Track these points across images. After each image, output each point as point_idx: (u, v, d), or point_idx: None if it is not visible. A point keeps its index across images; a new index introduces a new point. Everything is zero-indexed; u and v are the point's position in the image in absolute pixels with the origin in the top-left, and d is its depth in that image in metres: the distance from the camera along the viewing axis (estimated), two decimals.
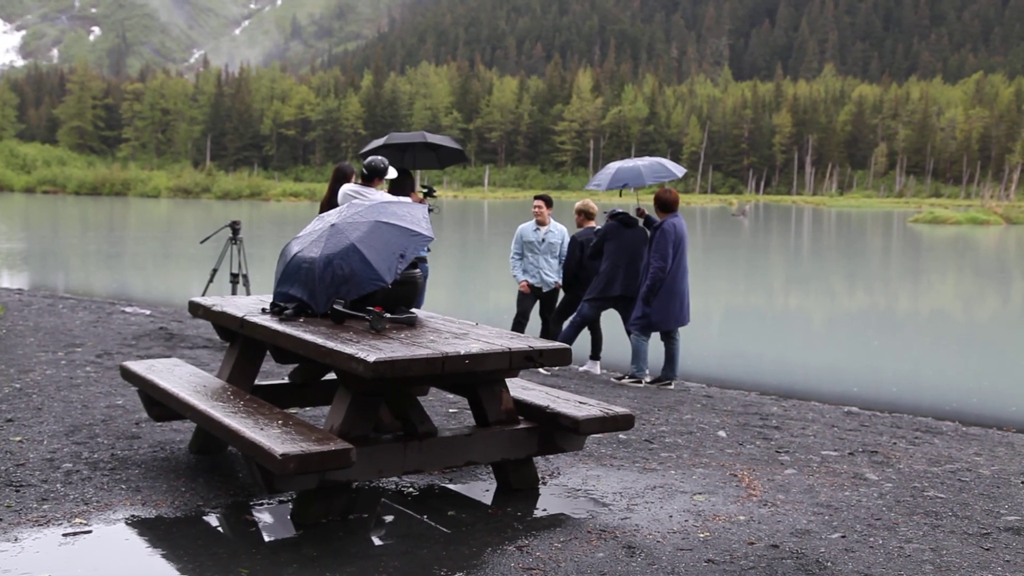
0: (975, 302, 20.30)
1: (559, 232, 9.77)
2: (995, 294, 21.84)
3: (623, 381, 8.84)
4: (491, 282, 21.29)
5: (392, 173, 7.80)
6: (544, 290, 9.74)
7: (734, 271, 25.81)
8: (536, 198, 9.82)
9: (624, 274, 8.92)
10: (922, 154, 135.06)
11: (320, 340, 4.36)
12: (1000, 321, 17.57)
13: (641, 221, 9.12)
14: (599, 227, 9.36)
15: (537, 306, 9.85)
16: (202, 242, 11.71)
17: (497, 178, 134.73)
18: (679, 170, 9.56)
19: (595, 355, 9.66)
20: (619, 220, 9.06)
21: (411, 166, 9.46)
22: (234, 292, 10.56)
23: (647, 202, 9.33)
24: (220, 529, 4.28)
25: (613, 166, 9.61)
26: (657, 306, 8.58)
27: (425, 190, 8.94)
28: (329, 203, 7.98)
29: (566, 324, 9.36)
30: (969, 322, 17.24)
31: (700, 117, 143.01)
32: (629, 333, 8.94)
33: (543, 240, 9.66)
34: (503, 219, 55.16)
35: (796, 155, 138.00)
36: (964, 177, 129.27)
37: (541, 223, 9.70)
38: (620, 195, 9.93)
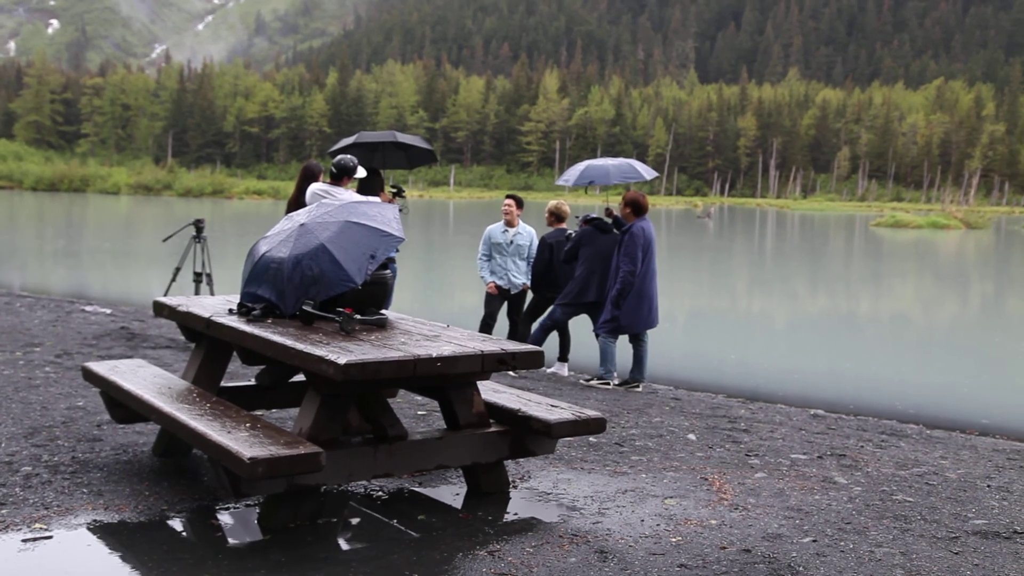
0: (935, 305, 20.57)
1: (528, 234, 9.74)
2: (955, 297, 22.13)
3: (591, 383, 8.83)
4: (457, 283, 21.23)
5: (361, 172, 7.73)
6: (512, 292, 9.70)
7: (699, 273, 25.95)
8: (507, 197, 9.79)
9: (599, 280, 8.91)
10: (884, 158, 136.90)
11: (289, 342, 4.31)
12: (960, 324, 17.80)
13: (610, 221, 9.10)
14: (571, 231, 9.34)
15: (505, 308, 9.82)
16: (165, 240, 11.56)
17: (463, 178, 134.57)
18: (649, 173, 9.59)
19: (563, 357, 9.64)
20: (595, 225, 9.04)
21: (380, 166, 9.39)
22: (197, 292, 10.44)
23: (616, 203, 9.33)
24: (185, 534, 4.21)
25: (584, 163, 9.65)
26: (626, 309, 8.58)
27: (394, 190, 8.88)
28: (296, 202, 7.89)
29: (535, 326, 9.33)
30: (929, 325, 17.45)
31: (666, 119, 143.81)
32: (597, 336, 8.93)
33: (511, 242, 9.62)
34: (469, 219, 55.06)
35: (761, 158, 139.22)
36: (925, 182, 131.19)
37: (510, 224, 9.66)
38: (586, 192, 9.98)
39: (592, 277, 8.92)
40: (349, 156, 7.61)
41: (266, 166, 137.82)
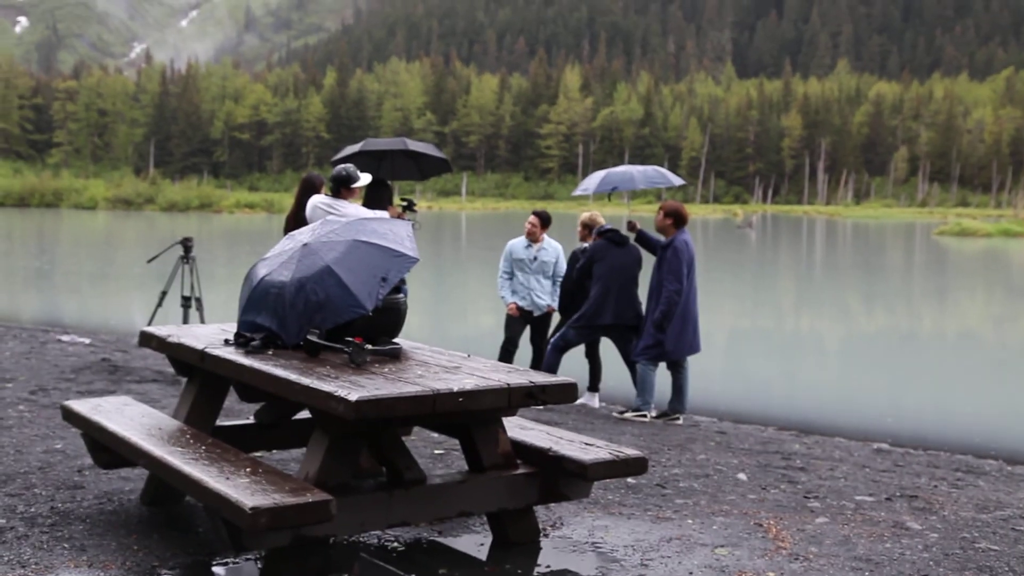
0: (1009, 324, 20.41)
1: (553, 250, 9.73)
2: None
3: (626, 416, 8.80)
4: (472, 305, 21.24)
5: (365, 179, 7.68)
6: (535, 314, 9.68)
7: (741, 290, 25.87)
8: (533, 214, 9.82)
9: (616, 300, 8.87)
10: (947, 159, 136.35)
11: (293, 376, 4.29)
12: None
13: (633, 237, 9.11)
14: (586, 245, 9.35)
15: (528, 332, 9.80)
16: (149, 261, 11.62)
17: (476, 187, 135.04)
18: (677, 180, 9.63)
19: (594, 386, 9.61)
20: (608, 238, 9.05)
21: (389, 176, 9.41)
22: (186, 318, 10.48)
23: (641, 214, 9.32)
24: None
25: (603, 171, 9.72)
26: (671, 333, 8.56)
27: (404, 203, 8.87)
28: (296, 218, 7.89)
29: (548, 349, 9.27)
30: (1003, 346, 17.32)
31: (701, 119, 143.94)
32: (633, 363, 8.90)
33: (535, 258, 9.62)
34: (483, 233, 55.20)
35: (807, 160, 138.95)
36: (994, 184, 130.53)
37: (534, 240, 9.66)
38: (608, 199, 9.95)
39: (608, 296, 8.88)
40: (344, 164, 7.60)
41: (258, 176, 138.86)
